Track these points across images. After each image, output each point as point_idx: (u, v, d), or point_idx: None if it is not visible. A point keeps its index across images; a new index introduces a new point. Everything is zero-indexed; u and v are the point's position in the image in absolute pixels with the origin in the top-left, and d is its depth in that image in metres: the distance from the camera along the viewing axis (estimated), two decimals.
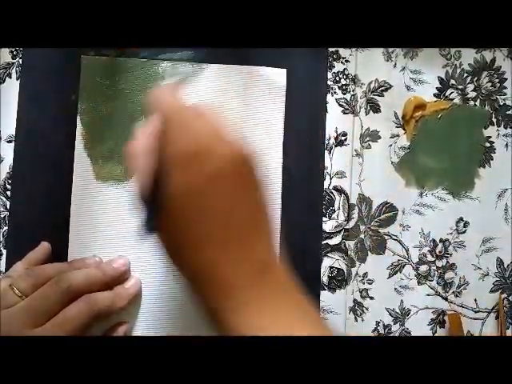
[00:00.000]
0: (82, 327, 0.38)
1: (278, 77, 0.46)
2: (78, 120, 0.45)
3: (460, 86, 0.49)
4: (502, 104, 0.49)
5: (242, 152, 0.32)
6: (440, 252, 0.47)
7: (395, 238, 0.47)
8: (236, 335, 0.29)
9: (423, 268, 0.47)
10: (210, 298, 0.31)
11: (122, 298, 0.41)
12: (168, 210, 0.31)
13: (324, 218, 0.46)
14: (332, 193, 0.47)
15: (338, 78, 0.48)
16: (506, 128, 0.49)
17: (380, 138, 0.48)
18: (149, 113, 0.35)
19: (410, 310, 0.47)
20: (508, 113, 0.49)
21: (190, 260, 0.31)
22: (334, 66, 0.48)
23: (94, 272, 0.41)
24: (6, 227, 0.44)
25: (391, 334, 0.46)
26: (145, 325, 0.44)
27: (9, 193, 0.44)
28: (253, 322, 0.30)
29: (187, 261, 0.32)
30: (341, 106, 0.47)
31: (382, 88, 0.48)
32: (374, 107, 0.48)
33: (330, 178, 0.47)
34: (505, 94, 0.49)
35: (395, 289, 0.47)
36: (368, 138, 0.47)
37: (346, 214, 0.47)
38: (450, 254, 0.47)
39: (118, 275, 0.42)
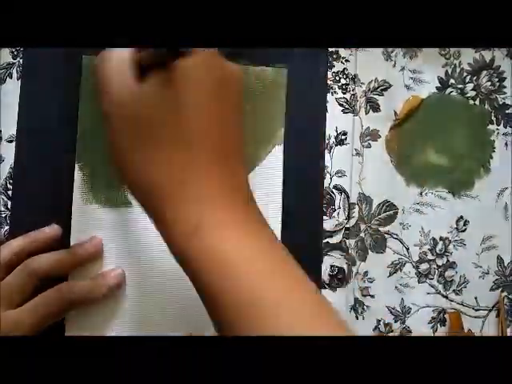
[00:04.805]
0: (56, 313, 0.40)
1: (278, 76, 0.46)
2: (79, 120, 0.45)
3: (459, 86, 0.49)
4: (501, 103, 0.49)
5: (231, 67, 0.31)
6: (440, 250, 0.47)
7: (395, 236, 0.47)
8: (196, 257, 0.28)
9: (423, 266, 0.47)
10: (170, 213, 0.29)
11: (100, 288, 0.42)
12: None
13: (324, 217, 0.46)
14: (332, 192, 0.47)
15: (338, 78, 0.48)
16: (505, 127, 0.49)
17: (380, 137, 0.48)
18: None
19: (410, 309, 0.47)
20: (507, 112, 0.49)
21: (153, 166, 0.29)
22: (334, 66, 0.48)
23: (61, 255, 0.41)
24: (8, 227, 0.44)
25: (392, 333, 0.46)
26: (146, 325, 0.44)
27: (10, 192, 0.44)
28: (215, 245, 0.28)
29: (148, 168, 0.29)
30: (341, 105, 0.48)
31: (382, 87, 0.48)
32: (374, 106, 0.48)
33: (330, 177, 0.47)
34: (504, 93, 0.49)
35: (396, 287, 0.47)
36: (368, 137, 0.48)
37: (346, 213, 0.47)
38: (451, 253, 0.48)
39: (88, 256, 0.43)
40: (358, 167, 0.47)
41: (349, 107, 0.48)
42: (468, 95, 0.49)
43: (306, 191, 0.46)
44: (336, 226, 0.47)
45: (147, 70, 0.30)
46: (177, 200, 0.29)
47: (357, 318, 0.46)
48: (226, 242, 0.28)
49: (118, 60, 0.31)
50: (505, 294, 0.48)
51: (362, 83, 0.48)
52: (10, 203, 0.44)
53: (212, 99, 0.30)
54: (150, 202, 0.30)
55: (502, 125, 0.49)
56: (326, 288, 0.46)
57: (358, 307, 0.46)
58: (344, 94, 0.48)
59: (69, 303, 0.40)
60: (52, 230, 0.42)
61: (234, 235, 0.29)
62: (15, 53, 0.45)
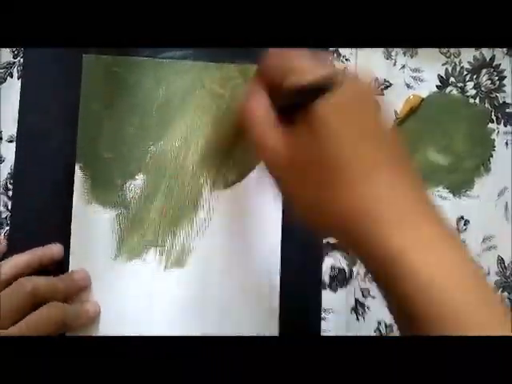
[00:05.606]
0: (49, 331, 0.38)
1: None
2: (79, 120, 0.45)
3: (460, 84, 0.49)
4: (501, 102, 0.49)
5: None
6: None
7: None
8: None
9: None
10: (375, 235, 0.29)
11: (81, 317, 0.42)
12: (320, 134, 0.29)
13: None
14: None
15: None
16: (505, 126, 0.49)
17: None
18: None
19: None
20: (507, 111, 0.49)
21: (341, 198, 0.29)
22: (335, 65, 0.48)
23: (56, 280, 0.41)
24: (8, 227, 0.44)
25: (392, 334, 0.46)
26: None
27: (10, 193, 0.44)
28: (421, 271, 0.28)
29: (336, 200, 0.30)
30: None
31: (382, 86, 0.48)
32: None
33: None
34: (504, 92, 0.49)
35: None
36: None
37: None
38: None
39: (77, 288, 0.43)
40: None
41: None
42: (468, 94, 0.49)
43: None
44: None
45: (288, 112, 0.31)
46: (378, 228, 0.29)
47: (357, 319, 0.46)
48: (429, 266, 0.28)
49: (261, 110, 0.33)
50: (505, 294, 0.48)
51: None
52: (10, 203, 0.44)
53: (358, 141, 0.30)
54: (345, 235, 0.30)
55: (502, 124, 0.49)
56: (326, 289, 0.46)
57: (358, 308, 0.46)
58: None
59: (61, 323, 0.39)
60: (56, 249, 0.43)
61: (434, 258, 0.28)
62: (16, 52, 0.45)
